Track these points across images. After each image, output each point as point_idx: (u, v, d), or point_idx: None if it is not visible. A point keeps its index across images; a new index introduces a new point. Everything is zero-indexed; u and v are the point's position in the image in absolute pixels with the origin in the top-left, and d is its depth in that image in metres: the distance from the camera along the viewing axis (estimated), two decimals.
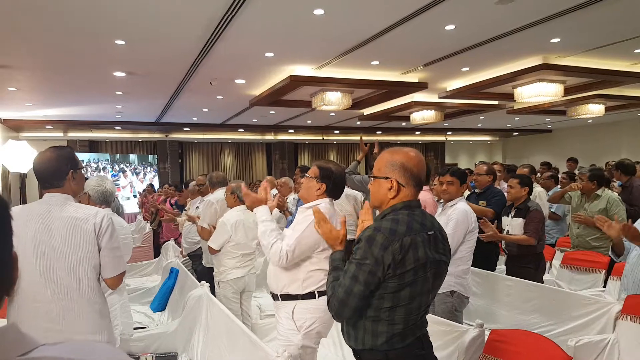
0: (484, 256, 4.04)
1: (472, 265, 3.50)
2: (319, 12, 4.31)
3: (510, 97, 7.62)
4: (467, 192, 4.45)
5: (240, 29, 4.71)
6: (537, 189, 5.27)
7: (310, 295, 2.31)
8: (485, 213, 4.07)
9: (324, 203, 2.38)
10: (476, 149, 18.58)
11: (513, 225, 3.87)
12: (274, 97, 7.64)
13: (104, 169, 12.57)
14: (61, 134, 12.03)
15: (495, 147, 18.46)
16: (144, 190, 11.24)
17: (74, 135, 12.32)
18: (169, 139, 13.79)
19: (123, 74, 6.52)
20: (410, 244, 1.53)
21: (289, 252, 2.23)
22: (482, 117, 11.83)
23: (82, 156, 12.41)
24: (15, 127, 10.76)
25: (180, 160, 14.56)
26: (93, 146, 13.19)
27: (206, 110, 9.87)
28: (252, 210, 2.49)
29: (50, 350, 0.55)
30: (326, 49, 5.60)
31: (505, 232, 3.90)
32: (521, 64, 6.34)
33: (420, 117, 9.72)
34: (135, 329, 3.78)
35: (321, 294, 2.31)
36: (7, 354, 0.52)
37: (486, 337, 2.49)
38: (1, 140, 9.76)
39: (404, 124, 12.21)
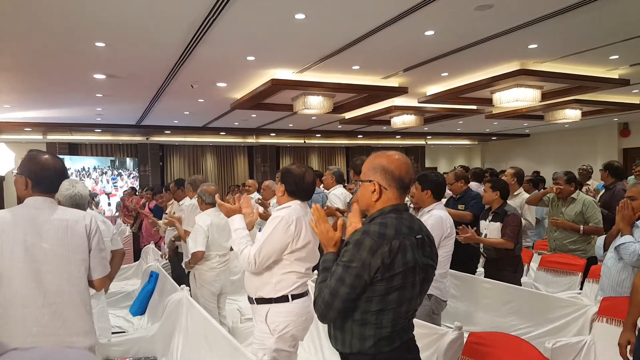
0: (465, 259, 4.11)
1: (453, 268, 3.55)
2: (300, 16, 4.33)
3: (488, 102, 7.75)
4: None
5: (222, 32, 4.70)
6: (524, 195, 5.21)
7: (284, 299, 2.33)
8: (463, 217, 4.14)
9: (293, 205, 2.40)
10: (456, 153, 18.83)
11: (490, 229, 3.93)
12: (256, 101, 7.63)
13: (105, 173, 12.32)
14: (40, 137, 11.78)
15: (475, 151, 18.74)
16: (124, 193, 11.08)
17: (53, 137, 12.07)
18: (150, 141, 13.62)
19: (103, 76, 6.43)
20: (399, 247, 1.53)
21: (256, 256, 2.26)
22: (461, 122, 11.99)
23: (86, 160, 12.14)
24: None
25: (161, 163, 14.39)
26: (73, 149, 12.94)
27: (187, 113, 9.79)
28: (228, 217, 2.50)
29: (22, 355, 0.56)
30: (307, 53, 5.62)
31: (483, 236, 3.97)
32: (499, 70, 6.46)
33: (400, 121, 9.81)
34: (114, 333, 3.73)
35: (295, 297, 2.34)
36: None
37: (465, 340, 2.53)
38: None
39: (384, 128, 12.30)
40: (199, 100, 8.28)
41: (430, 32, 4.89)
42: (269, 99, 7.64)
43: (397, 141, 16.47)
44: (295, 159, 16.33)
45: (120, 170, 12.77)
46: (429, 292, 3.01)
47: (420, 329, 2.68)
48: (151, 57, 5.59)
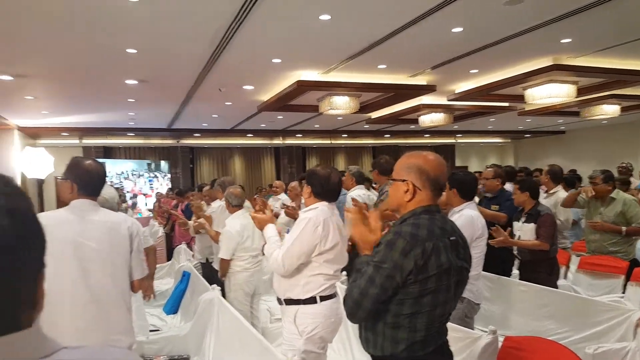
0: (499, 261, 4.00)
1: (487, 271, 3.46)
2: (325, 17, 4.32)
3: (521, 98, 7.54)
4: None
5: (248, 36, 4.74)
6: (560, 194, 4.91)
7: (312, 300, 2.33)
8: (498, 218, 4.00)
9: (320, 206, 2.39)
10: (487, 152, 18.42)
11: (524, 231, 3.81)
12: (282, 102, 7.67)
13: (142, 175, 12.82)
14: (77, 141, 12.21)
15: (507, 150, 18.29)
16: (157, 195, 11.39)
17: (89, 141, 12.49)
18: (180, 144, 13.91)
19: (135, 82, 6.60)
20: (432, 249, 1.50)
21: (284, 258, 2.27)
22: (493, 119, 11.73)
23: (125, 164, 12.56)
24: (33, 134, 10.94)
25: (191, 166, 14.67)
26: (107, 152, 13.34)
27: (216, 116, 9.94)
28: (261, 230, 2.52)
29: (71, 354, 0.57)
30: (333, 54, 5.61)
31: (517, 238, 3.85)
32: (531, 65, 6.28)
33: (429, 119, 9.67)
34: (150, 331, 3.81)
35: (323, 298, 2.33)
36: (31, 355, 0.53)
37: (500, 344, 2.46)
38: (19, 147, 9.91)
39: (412, 126, 12.16)
40: (227, 103, 8.39)
41: (458, 29, 4.79)
42: (295, 100, 7.67)
43: (426, 140, 16.25)
44: (322, 160, 16.34)
45: (155, 173, 13.16)
46: (463, 294, 2.95)
47: (454, 332, 2.61)
48: (180, 63, 5.70)
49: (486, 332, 2.49)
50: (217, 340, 3.25)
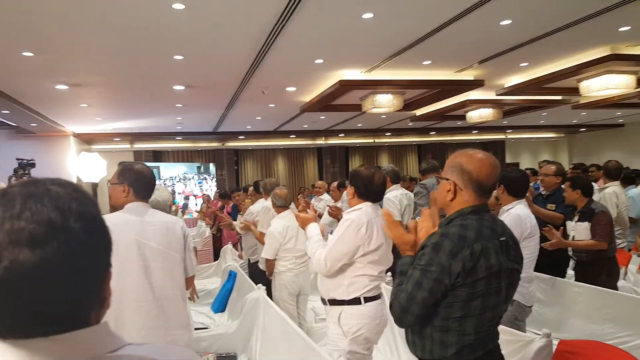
0: (553, 261, 3.82)
1: (540, 272, 3.31)
2: (367, 15, 4.29)
3: (575, 91, 7.18)
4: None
5: (290, 38, 4.78)
6: (609, 190, 4.71)
7: (356, 301, 2.31)
8: (554, 218, 3.80)
9: (364, 207, 2.37)
10: (539, 147, 17.66)
11: (578, 230, 3.61)
12: (324, 103, 7.69)
13: (192, 177, 13.39)
14: (128, 145, 12.78)
15: (561, 145, 17.47)
16: (203, 197, 11.73)
17: (139, 146, 13.05)
18: (225, 147, 14.25)
19: (182, 88, 6.82)
20: (481, 251, 1.45)
21: (327, 259, 2.27)
22: (545, 113, 11.24)
23: (177, 167, 13.15)
24: (87, 140, 11.55)
25: (236, 167, 15.00)
26: (157, 156, 13.88)
27: (259, 118, 10.11)
28: (304, 229, 2.54)
29: (136, 350, 0.60)
30: (375, 52, 5.56)
31: (570, 238, 3.65)
32: (586, 56, 5.96)
33: (476, 115, 9.40)
34: (197, 329, 3.92)
35: (367, 299, 2.31)
36: (99, 350, 0.57)
37: (554, 348, 2.35)
38: (75, 153, 10.49)
39: (459, 123, 11.85)
40: (270, 105, 8.51)
41: (506, 22, 4.62)
42: (338, 100, 7.66)
43: (474, 136, 15.79)
44: (365, 159, 16.24)
45: (205, 175, 13.71)
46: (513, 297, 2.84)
47: (505, 335, 2.52)
48: (224, 67, 5.83)
49: (539, 335, 2.38)
50: (263, 339, 3.29)
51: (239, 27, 4.46)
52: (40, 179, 0.60)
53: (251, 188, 5.87)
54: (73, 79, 6.06)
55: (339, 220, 4.69)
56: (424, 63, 6.13)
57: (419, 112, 9.94)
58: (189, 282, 2.33)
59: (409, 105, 8.47)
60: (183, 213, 12.15)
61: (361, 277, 2.32)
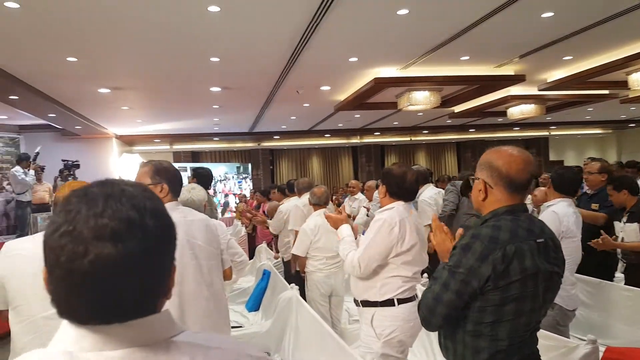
0: (600, 264, 3.62)
1: (586, 274, 3.15)
2: (403, 12, 4.22)
3: (623, 84, 6.83)
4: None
5: (324, 36, 4.77)
6: None
7: (389, 303, 2.26)
8: (595, 219, 3.61)
9: (396, 206, 2.32)
10: (585, 144, 16.91)
11: (627, 232, 3.41)
12: (359, 101, 7.63)
13: (232, 177, 13.80)
14: (168, 146, 13.16)
15: (608, 141, 16.66)
16: (238, 196, 11.94)
17: (178, 147, 13.41)
18: (261, 147, 14.43)
19: (219, 89, 6.95)
20: (515, 252, 1.38)
21: (360, 260, 2.23)
22: (591, 109, 10.76)
23: (218, 168, 13.53)
24: (129, 141, 11.97)
25: (271, 167, 15.16)
26: (195, 156, 14.22)
27: (294, 118, 10.17)
28: (336, 229, 2.50)
29: (194, 337, 0.66)
30: (411, 49, 5.47)
31: (619, 240, 3.45)
32: (635, 48, 5.65)
33: (518, 111, 9.09)
34: (232, 327, 3.96)
35: (401, 301, 2.25)
36: (165, 334, 0.63)
37: (600, 355, 2.22)
38: (117, 154, 10.89)
39: (500, 119, 11.53)
40: (305, 104, 8.54)
41: (548, 14, 4.44)
42: (373, 98, 7.60)
43: (515, 133, 15.29)
44: (401, 158, 16.04)
45: (244, 175, 14.09)
46: (554, 300, 2.70)
47: (546, 340, 2.41)
48: (260, 68, 5.89)
49: (584, 341, 2.26)
50: (296, 339, 3.29)
51: (273, 28, 4.49)
52: (113, 180, 0.65)
53: (285, 188, 5.92)
54: (114, 83, 6.28)
55: None
56: (461, 58, 5.99)
57: (457, 108, 9.72)
58: (228, 272, 2.35)
59: (446, 102, 8.30)
60: (223, 212, 12.45)
61: (394, 279, 2.27)
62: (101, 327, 0.60)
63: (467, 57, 5.94)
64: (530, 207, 5.08)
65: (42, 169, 7.30)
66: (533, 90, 8.05)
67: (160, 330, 0.63)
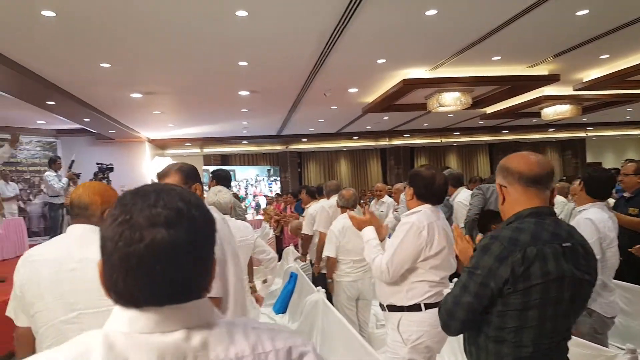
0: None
1: (627, 280, 3.00)
2: (431, 12, 4.16)
3: None
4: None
5: (351, 38, 4.75)
6: None
7: (416, 308, 2.21)
8: (633, 225, 3.44)
9: (424, 209, 2.27)
10: (625, 145, 16.26)
11: None
12: (387, 103, 7.57)
13: (262, 180, 14.09)
14: (198, 150, 13.40)
15: None
16: (267, 198, 12.05)
17: (208, 150, 13.64)
18: (289, 149, 14.51)
19: (247, 93, 7.03)
20: (536, 255, 1.33)
21: (389, 265, 2.19)
22: (630, 109, 10.35)
23: (249, 170, 13.90)
24: (161, 145, 12.25)
25: (299, 170, 15.22)
26: (224, 159, 14.43)
27: (322, 120, 10.18)
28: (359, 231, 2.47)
29: (235, 321, 0.73)
30: (441, 49, 5.38)
31: None
32: None
33: (552, 112, 8.83)
34: None
35: (428, 306, 2.20)
36: (210, 318, 0.70)
37: None
38: (150, 157, 11.15)
39: (534, 120, 11.23)
40: (332, 107, 8.53)
41: (583, 12, 4.29)
42: (401, 99, 7.53)
43: (551, 134, 14.84)
44: (432, 160, 15.82)
45: (275, 177, 14.38)
46: (591, 307, 2.58)
47: (582, 349, 2.32)
48: (287, 71, 5.92)
49: (623, 350, 2.16)
50: (322, 342, 3.27)
51: (300, 31, 4.50)
52: (160, 182, 0.73)
53: (304, 191, 5.98)
54: (146, 88, 6.44)
55: None
56: (493, 59, 5.86)
57: (489, 109, 9.52)
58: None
59: (478, 103, 8.15)
60: (256, 214, 12.61)
61: (421, 283, 2.22)
62: (155, 308, 0.65)
63: (499, 57, 5.81)
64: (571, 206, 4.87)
65: (78, 176, 7.54)
66: (568, 90, 7.82)
67: (208, 313, 0.70)
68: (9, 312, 1.53)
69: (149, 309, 0.65)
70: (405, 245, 2.19)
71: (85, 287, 1.39)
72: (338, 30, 4.49)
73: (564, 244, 1.38)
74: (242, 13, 3.98)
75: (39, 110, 7.14)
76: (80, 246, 1.45)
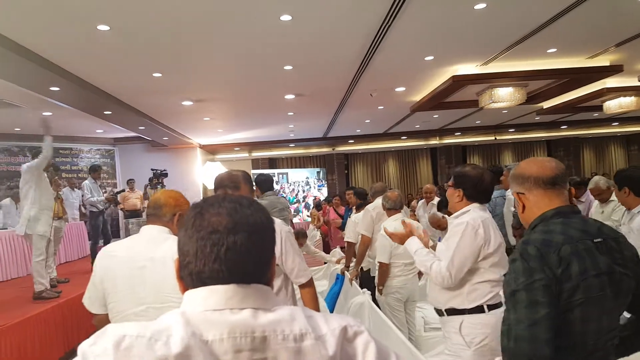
0: None
1: None
2: (480, 6, 4.00)
3: None
4: None
5: (397, 37, 4.65)
6: None
7: (479, 309, 2.12)
8: None
9: (472, 208, 2.20)
10: None
11: None
12: (436, 101, 7.37)
13: (314, 182, 14.33)
14: (247, 154, 13.67)
15: None
16: (313, 201, 12.11)
17: (256, 154, 13.88)
18: (336, 151, 14.48)
19: (292, 96, 7.06)
20: (570, 253, 1.26)
21: (450, 269, 2.10)
22: None
23: (301, 173, 14.23)
24: (211, 150, 12.59)
25: (346, 171, 15.15)
26: (272, 163, 14.62)
27: (368, 121, 10.07)
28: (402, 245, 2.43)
29: (286, 307, 0.79)
30: (491, 43, 5.16)
31: None
32: None
33: (616, 105, 8.25)
34: None
35: (491, 307, 2.12)
36: (271, 302, 0.77)
37: None
38: (201, 163, 11.48)
39: (595, 114, 10.56)
40: (379, 107, 8.42)
41: None
42: (451, 97, 7.30)
43: (614, 129, 13.93)
44: (485, 159, 15.27)
45: (324, 180, 14.54)
46: None
47: None
48: (332, 73, 5.90)
49: None
50: None
51: (344, 32, 4.46)
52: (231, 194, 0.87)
53: (351, 193, 5.89)
54: (196, 95, 6.62)
55: (442, 229, 4.41)
56: (548, 51, 5.57)
57: (546, 104, 9.06)
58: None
59: (533, 98, 7.78)
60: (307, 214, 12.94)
61: (483, 284, 2.14)
62: (224, 287, 0.74)
63: (555, 50, 5.51)
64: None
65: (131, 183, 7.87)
66: (633, 82, 7.34)
67: (270, 299, 0.77)
68: (85, 300, 1.68)
69: (218, 288, 0.74)
70: (463, 246, 2.10)
71: (153, 284, 1.54)
72: (383, 29, 4.40)
73: (595, 240, 1.31)
74: (286, 17, 3.99)
75: (97, 120, 7.52)
76: (150, 246, 1.61)
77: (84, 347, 0.68)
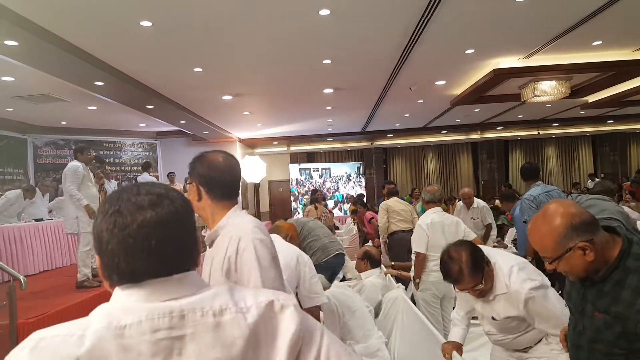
0: None
1: None
2: None
3: None
4: None
5: (437, 30, 4.61)
6: None
7: None
8: None
9: None
10: None
11: None
12: (477, 94, 7.23)
13: (353, 176, 14.37)
14: (285, 148, 13.82)
15: None
16: (349, 198, 12.13)
17: (295, 148, 14.01)
18: (374, 146, 14.41)
19: (331, 91, 7.11)
20: None
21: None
22: None
23: (341, 167, 14.27)
24: (250, 144, 12.82)
25: (384, 166, 15.04)
26: (310, 157, 14.72)
27: (407, 115, 9.98)
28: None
29: (219, 288, 0.81)
30: (534, 36, 5.03)
31: None
32: None
33: None
34: None
35: None
36: (200, 286, 0.79)
37: None
38: (240, 156, 11.72)
39: None
40: (418, 101, 8.33)
41: None
42: (492, 90, 7.15)
43: None
44: (528, 154, 14.80)
45: (363, 174, 14.51)
46: None
47: None
48: (371, 67, 5.90)
49: None
50: (401, 338, 3.22)
51: (383, 26, 4.46)
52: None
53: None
54: (236, 90, 6.78)
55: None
56: (593, 44, 5.38)
57: (591, 98, 8.70)
58: None
59: (578, 92, 7.51)
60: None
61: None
62: (150, 281, 0.75)
63: (600, 42, 5.31)
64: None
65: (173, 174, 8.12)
66: None
67: (198, 283, 0.79)
68: None
69: (145, 283, 0.75)
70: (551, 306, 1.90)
71: None
72: (423, 23, 4.38)
73: None
74: (325, 12, 4.04)
75: (140, 114, 7.78)
76: None
77: (9, 353, 0.70)
